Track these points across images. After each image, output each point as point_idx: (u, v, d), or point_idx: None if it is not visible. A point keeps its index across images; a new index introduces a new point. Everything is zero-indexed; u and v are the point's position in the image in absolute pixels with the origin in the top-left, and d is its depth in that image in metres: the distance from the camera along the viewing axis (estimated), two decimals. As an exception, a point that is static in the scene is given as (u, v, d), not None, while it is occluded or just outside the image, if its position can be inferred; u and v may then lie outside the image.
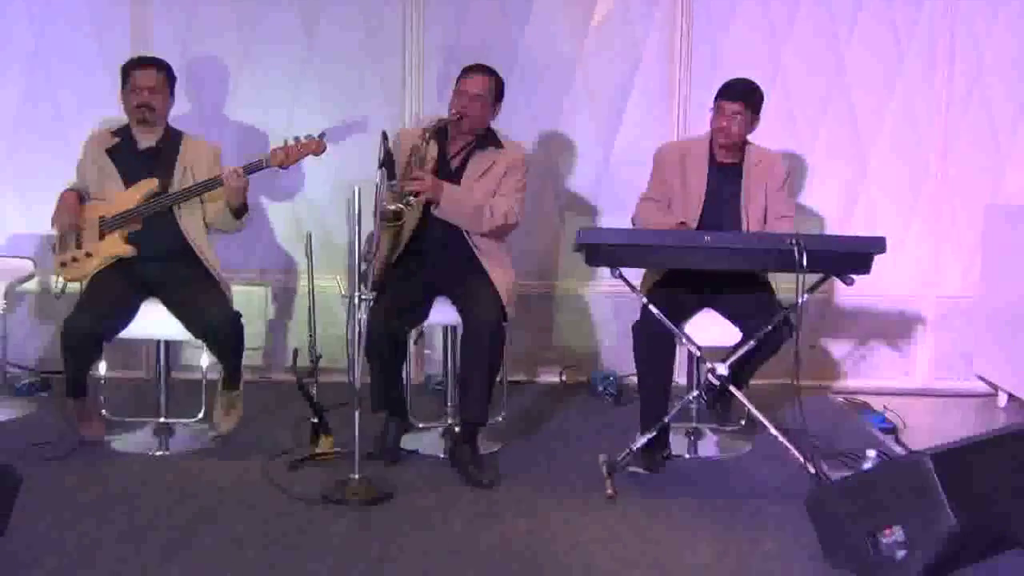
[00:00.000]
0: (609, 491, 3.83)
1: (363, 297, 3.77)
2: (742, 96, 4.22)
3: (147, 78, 4.31)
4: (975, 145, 5.50)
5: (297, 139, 4.34)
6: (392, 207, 3.96)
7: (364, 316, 3.77)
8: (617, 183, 5.36)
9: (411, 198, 4.05)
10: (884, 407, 5.06)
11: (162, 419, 4.40)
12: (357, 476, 3.76)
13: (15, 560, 3.19)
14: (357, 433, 3.78)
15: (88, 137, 4.51)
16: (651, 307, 3.99)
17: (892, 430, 4.78)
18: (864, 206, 5.52)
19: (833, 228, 5.45)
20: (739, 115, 4.22)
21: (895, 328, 5.60)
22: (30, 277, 4.89)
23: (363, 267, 3.83)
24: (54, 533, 3.40)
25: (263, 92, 5.35)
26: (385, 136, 3.89)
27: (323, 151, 4.37)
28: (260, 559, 3.28)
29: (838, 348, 5.61)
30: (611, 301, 5.47)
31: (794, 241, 3.72)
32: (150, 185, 4.26)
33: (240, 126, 5.31)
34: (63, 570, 3.15)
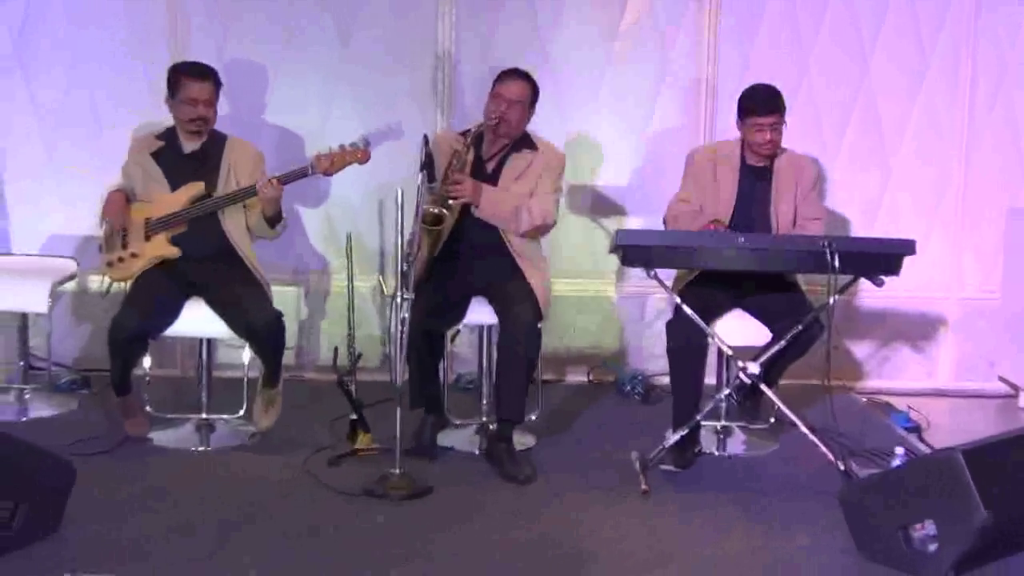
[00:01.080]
0: (643, 487, 3.92)
1: (405, 297, 3.84)
2: (776, 108, 4.30)
3: (203, 91, 4.31)
4: (997, 150, 5.55)
5: (342, 146, 4.38)
6: (434, 210, 4.03)
7: (406, 315, 3.84)
8: (645, 185, 5.42)
9: (450, 201, 4.12)
10: (908, 407, 5.12)
11: (203, 415, 4.49)
12: (398, 471, 3.85)
13: (66, 553, 3.27)
14: (399, 428, 3.88)
15: (132, 141, 4.59)
16: (684, 307, 4.06)
17: (916, 429, 4.86)
18: (888, 210, 5.56)
19: (857, 231, 5.49)
20: (778, 125, 4.30)
21: (918, 329, 5.64)
22: (72, 277, 4.94)
23: (404, 267, 3.92)
24: (103, 527, 3.48)
25: (298, 96, 5.38)
26: (426, 139, 3.97)
27: (367, 161, 4.42)
28: (303, 551, 3.37)
29: (861, 349, 5.65)
30: (637, 301, 5.50)
31: (826, 243, 3.80)
32: (196, 188, 4.31)
33: (275, 130, 5.36)
34: (114, 563, 3.22)
